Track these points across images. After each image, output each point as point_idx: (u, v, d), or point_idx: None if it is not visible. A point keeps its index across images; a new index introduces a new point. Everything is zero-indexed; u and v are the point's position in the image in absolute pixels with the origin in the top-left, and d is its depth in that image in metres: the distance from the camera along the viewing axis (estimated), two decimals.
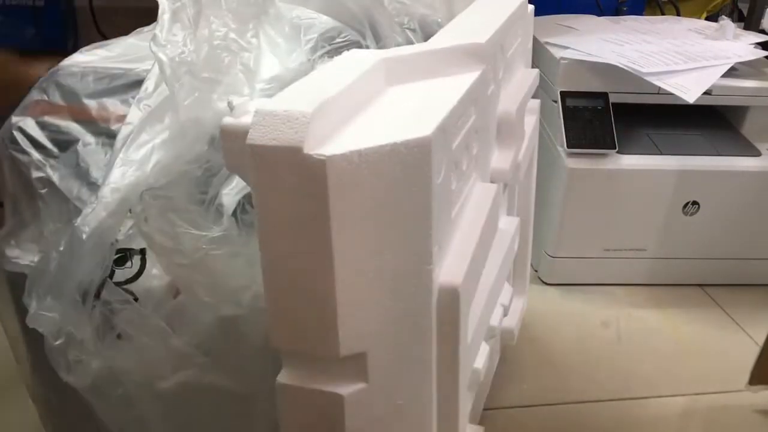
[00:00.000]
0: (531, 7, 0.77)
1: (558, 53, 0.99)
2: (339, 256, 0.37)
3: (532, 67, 1.10)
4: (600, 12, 1.34)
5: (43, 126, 0.60)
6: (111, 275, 0.54)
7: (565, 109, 0.97)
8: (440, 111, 0.41)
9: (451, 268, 0.44)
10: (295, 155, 0.35)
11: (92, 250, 0.51)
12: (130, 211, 0.52)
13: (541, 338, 0.92)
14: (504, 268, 0.64)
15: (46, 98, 0.62)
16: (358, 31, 0.62)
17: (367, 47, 0.62)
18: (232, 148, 0.41)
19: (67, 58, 0.65)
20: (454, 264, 0.44)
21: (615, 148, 0.96)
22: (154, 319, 0.54)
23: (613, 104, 0.98)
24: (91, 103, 0.62)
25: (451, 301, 0.43)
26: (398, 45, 0.62)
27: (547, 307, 1.00)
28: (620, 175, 0.97)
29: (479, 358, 0.56)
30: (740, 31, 1.14)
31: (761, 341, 0.77)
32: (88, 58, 0.65)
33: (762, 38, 1.08)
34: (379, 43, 0.63)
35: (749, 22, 1.37)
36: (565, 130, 0.96)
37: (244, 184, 0.53)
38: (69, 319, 0.52)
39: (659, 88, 0.92)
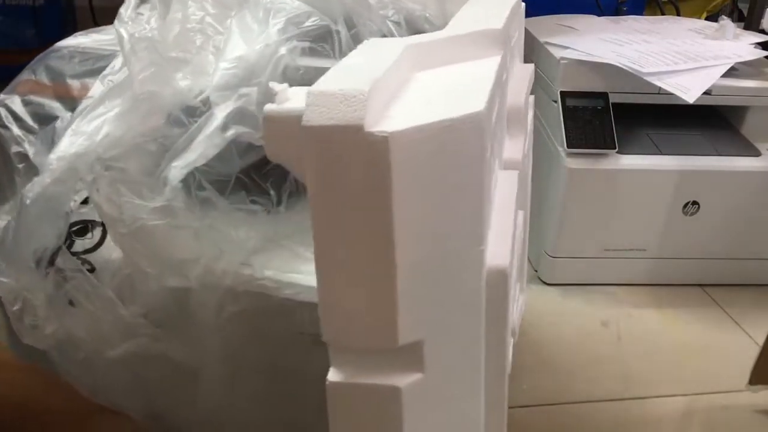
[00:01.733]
0: (522, 4, 0.77)
1: (558, 53, 0.99)
2: (400, 239, 0.36)
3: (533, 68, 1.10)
4: (600, 12, 1.34)
5: (27, 103, 0.62)
6: (71, 245, 0.55)
7: (565, 109, 0.97)
8: (484, 88, 0.41)
9: (496, 250, 0.43)
10: (356, 134, 0.34)
11: (40, 216, 0.52)
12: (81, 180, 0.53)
13: (541, 338, 0.92)
14: (519, 260, 0.64)
15: (34, 78, 0.63)
16: (329, 16, 0.62)
17: (338, 32, 0.61)
18: (276, 134, 0.40)
19: (61, 41, 0.66)
20: (498, 245, 0.44)
21: (615, 148, 0.96)
22: (103, 289, 0.54)
23: (613, 104, 0.98)
24: (74, 83, 0.63)
25: (500, 283, 0.42)
26: (373, 34, 0.62)
27: (547, 307, 1.00)
28: (620, 175, 0.97)
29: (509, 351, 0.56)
30: (740, 31, 1.14)
31: (761, 341, 0.77)
32: (80, 40, 0.66)
33: (762, 38, 1.08)
34: (352, 30, 0.62)
35: (749, 22, 1.37)
36: (565, 130, 0.96)
37: (193, 159, 0.53)
38: (23, 285, 0.53)
39: (659, 88, 0.92)
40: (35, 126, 0.61)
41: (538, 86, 1.08)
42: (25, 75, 0.64)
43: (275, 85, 0.42)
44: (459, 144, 0.37)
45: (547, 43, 1.05)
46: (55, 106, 0.62)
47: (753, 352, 0.79)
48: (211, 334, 0.55)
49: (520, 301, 0.82)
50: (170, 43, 0.53)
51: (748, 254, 1.04)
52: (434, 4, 0.68)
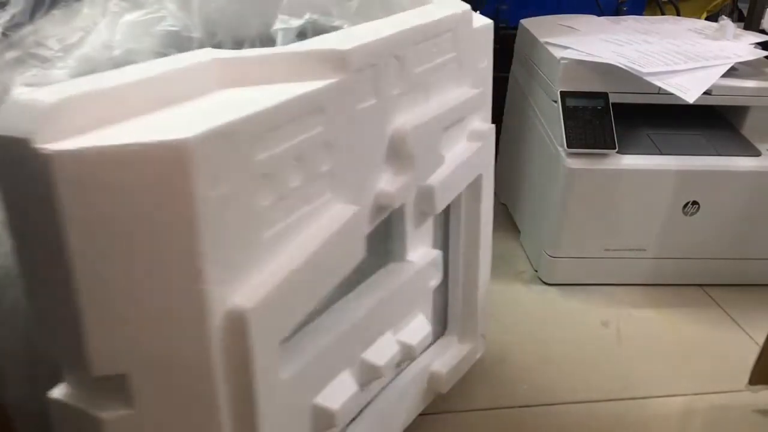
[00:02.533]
0: (487, 21, 0.70)
1: (558, 53, 0.99)
2: (81, 265, 0.34)
3: (533, 67, 1.10)
4: (600, 12, 1.34)
5: None
6: None
7: (565, 109, 0.97)
8: (229, 115, 0.37)
9: (248, 291, 0.40)
10: (23, 148, 0.32)
11: None
12: None
13: (541, 338, 0.92)
14: (398, 302, 0.60)
15: None
16: (192, 23, 0.61)
17: (189, 38, 0.60)
18: None
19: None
20: (253, 287, 0.41)
21: (615, 148, 0.96)
22: None
23: (613, 104, 0.98)
24: None
25: (240, 327, 0.39)
26: (242, 44, 0.61)
27: (547, 307, 1.00)
28: (620, 175, 0.97)
29: (336, 396, 0.52)
30: (740, 31, 1.14)
31: (761, 341, 0.77)
32: None
33: (762, 38, 1.08)
34: (214, 39, 0.61)
35: (749, 22, 1.37)
36: (565, 130, 0.96)
37: None
38: None
39: (659, 88, 0.92)
40: None
41: (538, 86, 1.08)
42: None
43: (23, 90, 0.41)
44: (159, 173, 0.34)
45: (547, 43, 1.05)
46: None
47: (753, 352, 0.79)
48: (10, 320, 0.53)
49: (460, 348, 0.77)
50: (29, 41, 0.52)
51: (748, 254, 1.04)
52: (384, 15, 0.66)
